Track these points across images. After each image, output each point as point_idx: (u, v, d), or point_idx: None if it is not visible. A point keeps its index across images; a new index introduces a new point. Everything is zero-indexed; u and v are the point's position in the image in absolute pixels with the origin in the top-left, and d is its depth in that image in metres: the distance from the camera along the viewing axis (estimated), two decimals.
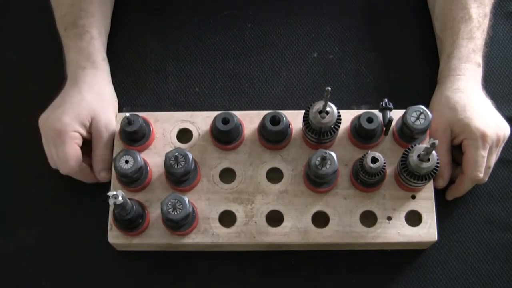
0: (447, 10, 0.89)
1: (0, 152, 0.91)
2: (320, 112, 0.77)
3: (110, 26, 0.96)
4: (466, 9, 0.87)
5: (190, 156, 0.79)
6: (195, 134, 0.86)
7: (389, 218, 0.82)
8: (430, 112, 0.81)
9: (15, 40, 0.98)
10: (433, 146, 0.73)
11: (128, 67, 0.95)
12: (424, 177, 0.78)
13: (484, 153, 0.81)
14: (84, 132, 0.83)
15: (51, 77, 0.95)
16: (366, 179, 0.79)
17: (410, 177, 0.78)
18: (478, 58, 0.86)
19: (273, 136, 0.82)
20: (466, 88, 0.84)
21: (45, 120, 0.84)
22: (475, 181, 0.83)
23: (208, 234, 0.82)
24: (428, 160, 0.77)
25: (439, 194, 0.86)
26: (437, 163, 0.78)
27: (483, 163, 0.81)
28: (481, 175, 0.82)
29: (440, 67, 0.89)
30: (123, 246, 0.84)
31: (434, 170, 0.78)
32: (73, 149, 0.82)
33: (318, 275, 0.85)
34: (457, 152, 0.85)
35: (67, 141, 0.81)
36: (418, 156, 0.77)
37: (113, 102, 0.89)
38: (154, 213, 0.82)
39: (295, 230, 0.81)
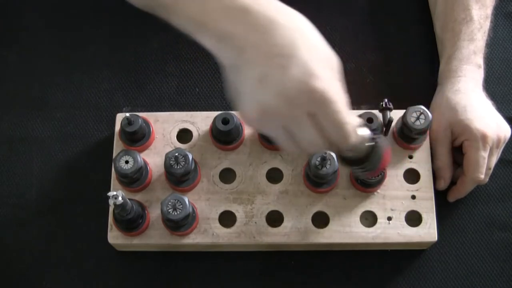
0: (449, 11, 0.89)
1: (0, 152, 0.91)
2: None
3: (110, 27, 0.96)
4: (467, 10, 0.87)
5: (190, 156, 0.79)
6: (195, 134, 0.86)
7: (389, 218, 0.82)
8: (430, 112, 0.81)
9: (15, 40, 0.98)
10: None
11: (128, 67, 0.95)
12: None
13: (485, 154, 0.81)
14: None
15: (51, 77, 0.95)
16: (366, 180, 0.79)
17: None
18: (479, 59, 0.86)
19: None
20: (467, 89, 0.84)
21: (279, 97, 0.56)
22: (476, 182, 0.83)
23: (208, 234, 0.82)
24: None
25: (439, 194, 0.86)
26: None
27: (484, 164, 0.81)
28: (482, 176, 0.82)
29: (440, 68, 0.89)
30: (123, 246, 0.84)
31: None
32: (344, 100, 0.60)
33: (318, 275, 0.85)
34: (458, 154, 0.85)
35: (335, 97, 0.58)
36: None
37: None
38: (154, 213, 0.82)
39: (295, 230, 0.81)
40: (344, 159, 0.66)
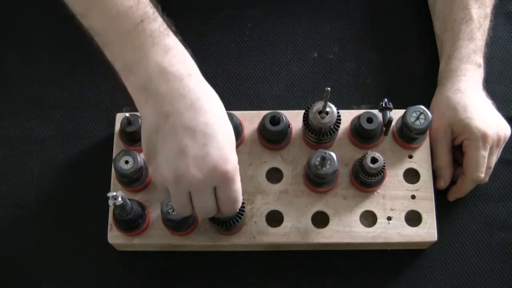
0: (448, 11, 0.89)
1: (0, 152, 0.91)
2: (320, 112, 0.77)
3: None
4: (467, 9, 0.87)
5: None
6: None
7: (389, 218, 0.82)
8: (430, 112, 0.81)
9: (15, 40, 0.98)
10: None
11: None
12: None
13: (485, 153, 0.81)
14: None
15: (51, 77, 0.95)
16: (366, 179, 0.79)
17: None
18: (478, 58, 0.86)
19: (273, 136, 0.82)
20: (467, 89, 0.84)
21: (193, 168, 0.63)
22: (476, 182, 0.83)
23: (208, 234, 0.82)
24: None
25: (439, 194, 0.86)
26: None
27: (484, 163, 0.81)
28: (483, 175, 0.82)
29: (440, 68, 0.89)
30: (123, 246, 0.84)
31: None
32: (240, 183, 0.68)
33: (318, 275, 0.85)
34: (458, 153, 0.85)
35: (237, 178, 0.66)
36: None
37: None
38: (154, 213, 0.82)
39: (295, 230, 0.81)
40: (213, 219, 0.77)
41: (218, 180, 0.64)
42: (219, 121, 0.65)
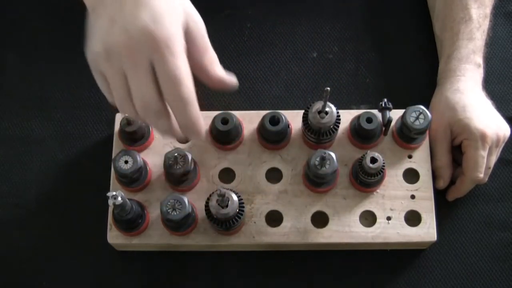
0: (447, 11, 0.89)
1: (0, 152, 0.91)
2: (319, 112, 0.77)
3: None
4: (466, 9, 0.87)
5: (190, 156, 0.79)
6: None
7: (389, 218, 0.82)
8: (430, 112, 0.81)
9: (15, 40, 0.98)
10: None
11: None
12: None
13: (484, 154, 0.81)
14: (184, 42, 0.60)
15: (51, 77, 0.95)
16: (365, 179, 0.79)
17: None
18: (478, 58, 0.86)
19: (272, 136, 0.82)
20: (466, 89, 0.84)
21: (122, 36, 0.57)
22: (475, 182, 0.83)
23: (208, 234, 0.82)
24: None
25: (439, 194, 0.86)
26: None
27: (483, 163, 0.81)
28: (481, 175, 0.82)
29: (439, 68, 0.89)
30: (123, 246, 0.84)
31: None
32: (187, 63, 0.58)
33: (318, 275, 0.85)
34: (457, 153, 0.85)
35: (178, 51, 0.57)
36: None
37: None
38: (153, 213, 0.82)
39: (294, 230, 0.81)
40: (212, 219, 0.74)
41: (150, 48, 0.56)
42: None
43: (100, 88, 0.63)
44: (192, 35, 0.61)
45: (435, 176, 0.85)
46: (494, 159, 0.84)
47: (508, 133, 0.85)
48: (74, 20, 0.99)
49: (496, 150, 0.84)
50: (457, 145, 0.84)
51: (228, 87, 0.64)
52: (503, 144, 0.85)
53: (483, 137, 0.81)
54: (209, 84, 0.63)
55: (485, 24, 0.88)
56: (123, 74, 0.58)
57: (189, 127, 0.61)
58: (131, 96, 0.59)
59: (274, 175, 0.84)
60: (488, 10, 0.89)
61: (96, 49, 0.59)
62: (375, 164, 0.77)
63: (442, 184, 0.85)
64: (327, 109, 0.77)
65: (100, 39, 0.58)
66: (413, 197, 0.83)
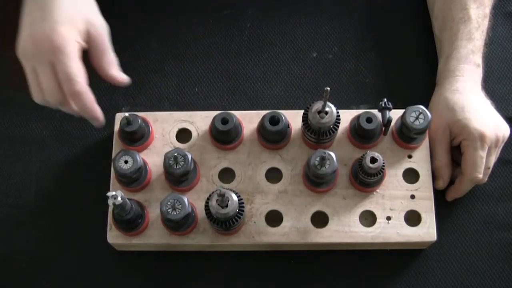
0: (446, 11, 0.89)
1: (0, 152, 0.91)
2: (319, 112, 0.77)
3: (110, 26, 0.96)
4: (465, 9, 0.87)
5: (189, 156, 0.79)
6: (194, 134, 0.86)
7: (389, 218, 0.82)
8: (429, 112, 0.81)
9: (15, 40, 0.98)
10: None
11: (127, 66, 0.95)
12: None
13: (483, 154, 0.81)
14: (83, 43, 0.75)
15: None
16: (365, 179, 0.79)
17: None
18: (477, 58, 0.86)
19: (272, 136, 0.82)
20: (465, 89, 0.84)
21: (30, 40, 0.73)
22: (475, 182, 0.83)
23: (208, 234, 0.82)
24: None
25: (439, 194, 0.86)
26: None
27: (482, 163, 0.81)
28: (480, 175, 0.82)
29: (439, 68, 0.89)
30: (123, 246, 0.84)
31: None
32: (79, 63, 0.73)
33: (317, 275, 0.85)
34: (457, 153, 0.85)
35: (71, 55, 0.72)
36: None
37: None
38: (153, 213, 0.82)
39: (294, 230, 0.81)
40: (212, 219, 0.77)
41: (49, 51, 0.71)
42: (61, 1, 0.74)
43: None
44: (93, 40, 0.76)
45: (434, 176, 0.85)
46: (493, 159, 0.84)
47: (507, 133, 0.84)
48: None
49: (496, 150, 0.84)
50: (456, 145, 0.84)
51: (121, 84, 0.78)
52: (502, 144, 0.85)
53: (482, 137, 0.81)
54: (106, 80, 0.77)
55: (484, 24, 0.88)
56: (32, 68, 0.73)
57: (86, 113, 0.75)
58: (40, 81, 0.74)
59: (274, 175, 0.84)
60: (487, 10, 0.89)
61: (18, 47, 0.74)
62: (375, 164, 0.77)
63: (441, 184, 0.85)
64: (327, 109, 0.77)
65: (20, 41, 0.74)
66: (413, 197, 0.83)
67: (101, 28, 0.77)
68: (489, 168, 0.83)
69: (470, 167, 0.81)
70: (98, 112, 0.76)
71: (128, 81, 0.79)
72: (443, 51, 0.88)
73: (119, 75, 0.78)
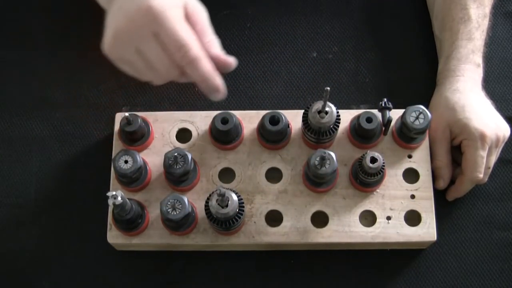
0: (446, 11, 0.89)
1: (0, 152, 0.91)
2: (319, 112, 0.77)
3: None
4: (465, 9, 0.87)
5: (189, 156, 0.79)
6: (194, 134, 0.86)
7: (388, 218, 0.82)
8: (430, 112, 0.81)
9: (15, 40, 0.98)
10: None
11: None
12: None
13: (483, 154, 0.81)
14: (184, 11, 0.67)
15: (51, 76, 0.95)
16: (365, 179, 0.79)
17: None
18: (477, 58, 0.86)
19: (272, 135, 0.82)
20: (465, 89, 0.84)
21: (125, 21, 0.64)
22: (475, 182, 0.83)
23: (208, 234, 0.82)
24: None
25: (439, 194, 0.86)
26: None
27: (482, 163, 0.81)
28: (481, 175, 0.82)
29: (439, 68, 0.89)
30: (123, 246, 0.84)
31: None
32: (187, 27, 0.65)
33: (317, 275, 0.85)
34: (457, 153, 0.85)
35: (176, 19, 0.64)
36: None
37: None
38: (153, 213, 0.82)
39: (294, 230, 0.81)
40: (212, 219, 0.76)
41: (149, 21, 0.63)
42: None
43: (129, 73, 0.69)
44: (192, 19, 0.67)
45: (435, 177, 0.85)
46: (493, 159, 0.84)
47: (507, 133, 0.84)
48: (74, 20, 1.00)
49: (496, 150, 0.84)
50: (457, 145, 0.84)
51: (225, 66, 0.68)
52: (502, 144, 0.85)
53: (482, 137, 0.81)
54: (213, 61, 0.67)
55: (484, 24, 0.88)
56: (136, 50, 0.65)
57: (206, 82, 0.66)
58: (147, 59, 0.65)
59: (274, 175, 0.84)
60: (487, 9, 0.89)
61: (108, 40, 0.65)
62: (375, 164, 0.77)
63: (442, 184, 0.85)
64: (327, 109, 0.77)
65: (109, 31, 0.65)
66: (413, 197, 0.83)
67: (199, 7, 0.69)
68: (489, 168, 0.83)
69: (470, 167, 0.81)
70: (218, 80, 0.67)
71: (234, 65, 0.69)
72: (443, 51, 0.88)
73: (223, 56, 0.68)
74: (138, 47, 0.65)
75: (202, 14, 0.68)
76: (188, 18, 0.66)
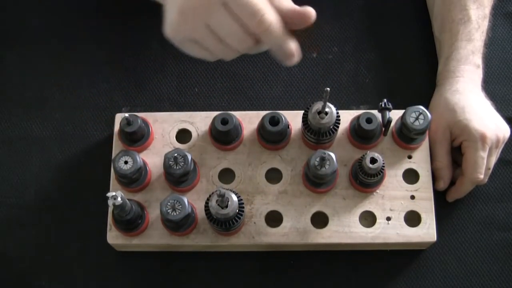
0: (446, 12, 0.89)
1: (0, 152, 0.91)
2: (319, 112, 0.77)
3: (110, 27, 0.96)
4: (465, 10, 0.87)
5: (189, 157, 0.79)
6: (194, 134, 0.86)
7: (388, 219, 0.82)
8: (429, 112, 0.81)
9: (15, 40, 0.98)
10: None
11: (127, 67, 0.95)
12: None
13: (484, 154, 0.81)
14: None
15: (51, 77, 0.95)
16: (365, 180, 0.79)
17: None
18: (477, 59, 0.86)
19: (272, 136, 0.82)
20: (465, 90, 0.84)
21: None
22: (475, 183, 0.83)
23: (208, 234, 0.82)
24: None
25: (439, 194, 0.86)
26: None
27: (482, 164, 0.81)
28: (481, 176, 0.82)
29: (439, 69, 0.89)
30: (123, 247, 0.84)
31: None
32: None
33: (317, 275, 0.85)
34: (457, 154, 0.85)
35: None
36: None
37: None
38: (153, 214, 0.82)
39: (294, 231, 0.81)
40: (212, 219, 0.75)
41: None
42: None
43: (196, 55, 0.64)
44: None
45: (435, 178, 0.85)
46: (493, 160, 0.84)
47: (507, 134, 0.84)
48: (75, 20, 1.00)
49: (496, 151, 0.84)
50: (457, 146, 0.84)
51: (305, 18, 0.62)
52: (503, 145, 0.85)
53: (482, 138, 0.81)
54: (284, 19, 0.61)
55: (484, 24, 0.88)
56: (205, 25, 0.60)
57: (282, 48, 0.61)
58: (219, 33, 0.60)
59: (273, 175, 0.84)
60: (487, 10, 0.88)
61: (174, 19, 0.61)
62: (375, 164, 0.77)
63: (442, 185, 0.85)
64: (326, 109, 0.77)
65: (173, 9, 0.60)
66: (412, 197, 0.83)
67: None
68: (489, 168, 0.83)
69: (471, 167, 0.81)
70: (294, 43, 0.62)
71: (314, 13, 0.63)
72: (443, 52, 0.88)
73: (298, 8, 0.62)
74: (207, 21, 0.60)
75: None
76: None
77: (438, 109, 0.85)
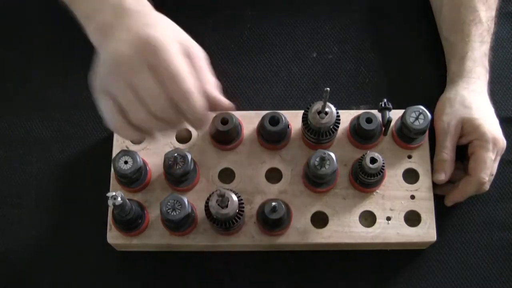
0: (455, 13, 0.88)
1: (0, 152, 0.91)
2: (319, 112, 0.77)
3: None
4: (476, 12, 0.86)
5: (189, 157, 0.79)
6: (194, 134, 0.86)
7: (388, 218, 0.82)
8: (430, 112, 0.81)
9: (15, 40, 0.98)
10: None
11: None
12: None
13: (493, 157, 0.81)
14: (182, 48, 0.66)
15: (51, 77, 0.95)
16: (365, 179, 0.79)
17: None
18: (486, 62, 0.86)
19: (272, 136, 0.82)
20: (482, 92, 0.84)
21: (126, 46, 0.61)
22: (480, 184, 0.82)
23: (208, 234, 0.82)
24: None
25: (438, 194, 0.86)
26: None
27: (490, 166, 0.81)
28: (487, 178, 0.81)
29: (451, 69, 0.88)
30: (123, 246, 0.84)
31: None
32: (185, 61, 0.63)
33: (317, 275, 0.85)
34: (457, 155, 0.84)
35: (174, 51, 0.62)
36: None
37: None
38: (153, 214, 0.82)
39: (294, 230, 0.81)
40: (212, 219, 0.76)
41: (148, 52, 0.60)
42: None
43: (105, 114, 0.65)
44: (190, 57, 0.64)
45: (435, 170, 0.83)
46: (496, 166, 0.84)
47: (504, 145, 0.84)
48: (74, 20, 0.99)
49: (498, 159, 0.84)
50: (463, 144, 0.83)
51: (222, 109, 0.68)
52: (501, 153, 0.84)
53: (495, 140, 0.81)
54: (208, 103, 0.66)
55: (492, 27, 0.88)
56: (128, 84, 0.61)
57: (196, 117, 0.63)
58: (140, 94, 0.62)
59: (273, 175, 0.84)
60: (494, 12, 0.88)
61: (102, 70, 0.63)
62: (375, 164, 0.77)
63: (443, 177, 0.83)
64: (326, 109, 0.77)
65: (104, 60, 0.63)
66: (412, 197, 0.83)
67: (198, 47, 0.67)
68: (492, 175, 0.83)
69: (479, 167, 0.80)
70: (208, 120, 0.66)
71: (233, 108, 0.68)
72: (456, 52, 0.87)
73: (221, 99, 0.67)
74: (131, 79, 0.61)
75: (200, 53, 0.66)
76: (187, 57, 0.64)
77: (454, 104, 0.83)
